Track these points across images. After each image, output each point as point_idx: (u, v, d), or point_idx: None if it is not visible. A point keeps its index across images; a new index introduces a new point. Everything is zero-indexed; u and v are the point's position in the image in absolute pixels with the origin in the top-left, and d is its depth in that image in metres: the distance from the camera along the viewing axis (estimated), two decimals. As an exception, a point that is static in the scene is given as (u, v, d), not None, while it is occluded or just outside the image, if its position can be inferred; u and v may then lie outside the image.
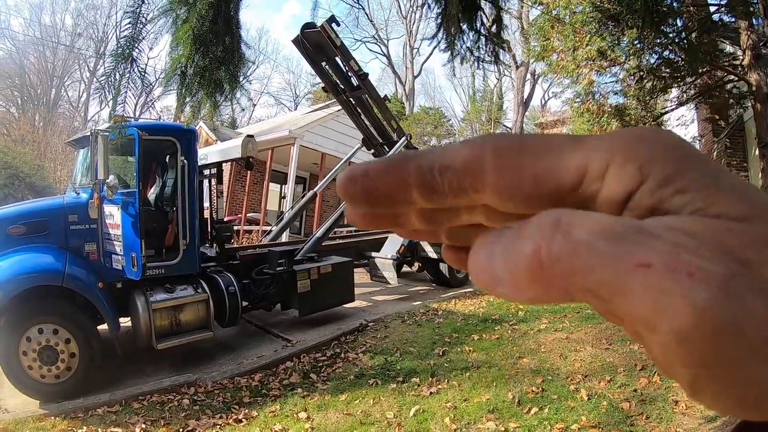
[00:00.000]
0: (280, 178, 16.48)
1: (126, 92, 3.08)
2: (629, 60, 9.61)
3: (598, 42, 9.30)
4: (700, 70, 10.41)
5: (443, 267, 10.27)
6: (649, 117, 11.08)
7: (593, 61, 9.81)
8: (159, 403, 4.82)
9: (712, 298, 0.17)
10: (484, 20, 5.50)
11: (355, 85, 9.07)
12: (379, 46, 51.07)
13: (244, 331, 7.31)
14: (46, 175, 20.77)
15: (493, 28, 5.57)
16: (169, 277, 5.85)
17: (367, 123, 9.99)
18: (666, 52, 9.95)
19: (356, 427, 4.29)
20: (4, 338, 4.76)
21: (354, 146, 11.31)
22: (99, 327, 5.41)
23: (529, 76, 33.05)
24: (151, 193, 6.39)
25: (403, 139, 9.58)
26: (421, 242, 9.97)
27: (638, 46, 9.17)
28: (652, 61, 10.08)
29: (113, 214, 5.51)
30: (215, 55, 4.28)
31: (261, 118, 44.90)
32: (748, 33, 9.25)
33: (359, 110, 9.76)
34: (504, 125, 39.67)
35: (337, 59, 8.74)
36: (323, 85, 9.80)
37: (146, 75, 3.21)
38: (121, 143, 5.70)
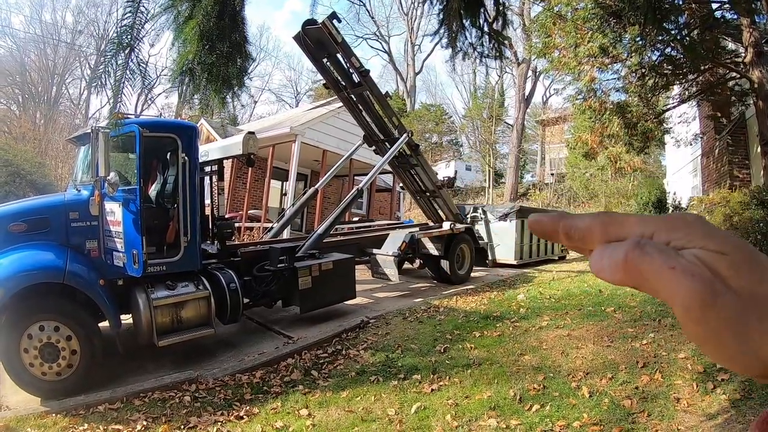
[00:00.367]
0: (282, 175, 16.48)
1: (124, 82, 3.05)
2: (631, 57, 9.59)
3: (599, 39, 9.28)
4: (702, 68, 10.40)
5: (444, 264, 10.29)
6: (650, 114, 11.06)
7: (595, 57, 9.79)
8: (160, 400, 4.82)
9: (702, 288, 0.33)
10: (487, 16, 5.48)
11: (356, 81, 9.06)
12: (381, 43, 51.10)
13: (245, 328, 7.31)
14: (47, 172, 20.77)
15: (496, 25, 5.55)
16: (170, 274, 5.84)
17: (369, 120, 9.98)
18: (668, 49, 9.94)
19: (357, 424, 4.29)
20: (5, 335, 4.75)
21: (355, 143, 11.31)
22: (100, 324, 5.41)
23: (530, 73, 33.01)
24: (152, 190, 6.38)
25: (405, 136, 9.57)
26: (422, 239, 9.98)
27: (640, 42, 9.15)
28: (654, 58, 10.07)
29: (114, 211, 5.51)
30: (222, 51, 4.27)
31: (262, 115, 45.00)
32: (750, 30, 9.23)
33: (360, 107, 9.75)
34: (505, 122, 39.66)
35: (339, 56, 8.73)
36: (324, 82, 9.79)
37: (144, 65, 3.18)
38: (122, 140, 5.70)
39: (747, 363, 0.34)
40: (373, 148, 10.65)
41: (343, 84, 9.29)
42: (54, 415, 4.45)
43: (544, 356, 5.46)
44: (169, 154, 6.27)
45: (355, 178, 15.65)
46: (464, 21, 5.36)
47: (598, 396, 4.30)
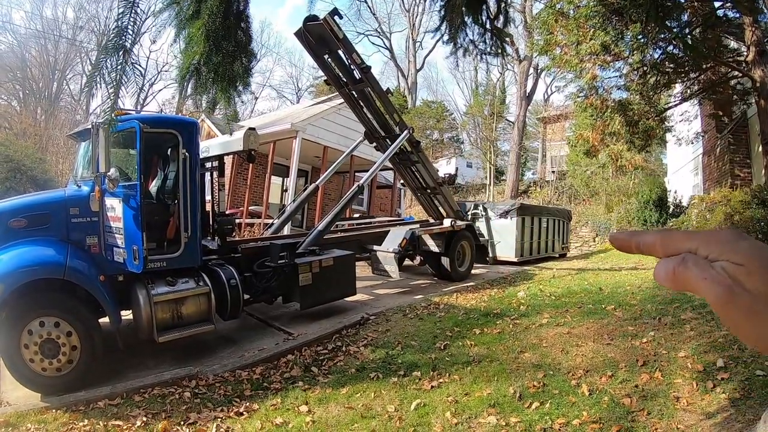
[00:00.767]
0: (282, 171, 16.47)
1: (119, 86, 3.05)
2: (633, 55, 9.57)
3: (601, 36, 9.26)
4: (704, 66, 10.38)
5: (445, 261, 10.29)
6: (652, 112, 11.04)
7: (597, 55, 9.77)
8: (160, 395, 4.82)
9: (724, 291, 0.45)
10: (489, 13, 5.47)
11: (357, 78, 9.05)
12: (382, 40, 51.10)
13: (245, 324, 7.31)
14: (47, 168, 20.77)
15: (498, 22, 5.54)
16: (170, 270, 5.84)
17: (370, 116, 9.97)
18: (670, 47, 9.91)
19: (357, 421, 4.29)
20: (5, 331, 4.75)
21: (356, 139, 11.30)
22: (100, 320, 5.41)
23: (532, 70, 32.95)
24: (153, 186, 6.37)
25: (405, 132, 9.56)
26: (422, 236, 9.97)
27: (642, 40, 9.13)
28: (656, 56, 10.05)
29: (115, 207, 5.50)
30: (228, 50, 4.28)
31: (263, 111, 45.02)
32: (753, 29, 9.22)
33: (361, 103, 9.74)
34: (506, 119, 39.61)
35: (340, 52, 8.72)
36: (326, 78, 9.78)
37: (138, 66, 3.17)
38: (123, 136, 5.69)
39: (765, 344, 0.46)
40: (374, 144, 10.65)
41: (345, 80, 9.28)
42: (54, 410, 4.46)
43: (544, 354, 5.46)
44: (169, 150, 6.27)
45: (356, 174, 15.63)
46: (466, 17, 5.35)
47: (598, 394, 4.30)
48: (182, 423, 4.33)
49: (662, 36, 9.41)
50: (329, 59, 8.96)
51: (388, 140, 10.09)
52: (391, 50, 50.91)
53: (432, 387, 4.85)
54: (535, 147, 41.90)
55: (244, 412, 4.58)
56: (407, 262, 11.27)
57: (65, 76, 38.04)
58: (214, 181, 7.31)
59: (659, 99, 11.68)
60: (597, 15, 9.08)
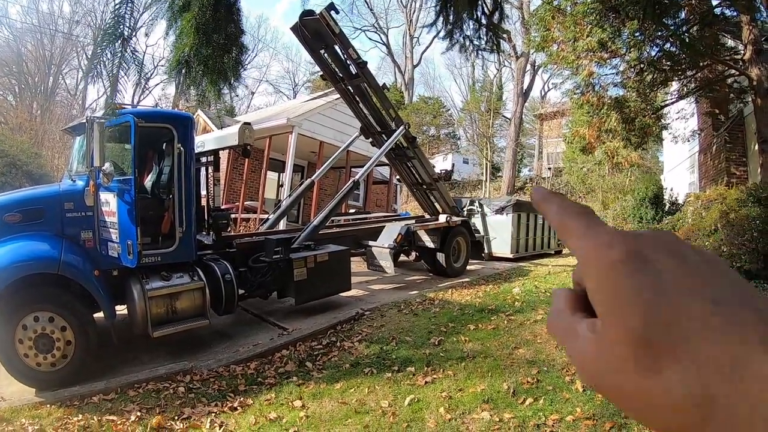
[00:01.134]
0: (278, 166, 16.44)
1: (119, 72, 3.04)
2: (630, 52, 9.57)
3: (598, 33, 9.25)
4: (701, 64, 10.38)
5: (440, 257, 10.30)
6: (648, 110, 11.05)
7: (593, 52, 9.76)
8: (155, 390, 4.82)
9: (576, 358, 0.37)
10: (485, 9, 5.46)
11: (353, 73, 9.04)
12: (379, 35, 50.96)
13: (240, 319, 7.31)
14: (43, 163, 20.65)
15: (494, 18, 5.53)
16: (165, 264, 5.84)
17: (366, 112, 9.96)
18: (667, 45, 9.91)
19: (351, 416, 4.31)
20: (-1, 326, 4.75)
21: (352, 135, 11.28)
22: (95, 315, 5.40)
23: (529, 66, 32.93)
24: (148, 181, 6.36)
25: (402, 128, 9.55)
26: (418, 232, 9.98)
27: (639, 38, 9.13)
28: (653, 53, 10.04)
29: (109, 202, 5.49)
30: (218, 43, 4.26)
31: (259, 106, 44.90)
32: (750, 27, 9.22)
33: (357, 99, 9.73)
34: (503, 116, 39.61)
35: (336, 47, 8.70)
36: (322, 74, 9.75)
37: (138, 54, 3.16)
38: (118, 130, 5.67)
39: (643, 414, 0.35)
40: (370, 140, 10.64)
41: (341, 75, 9.26)
42: (48, 405, 4.45)
43: (539, 350, 5.48)
44: (164, 144, 6.25)
45: (352, 169, 15.63)
46: (461, 13, 5.34)
47: (592, 391, 4.31)
48: (176, 418, 4.33)
49: (659, 33, 9.41)
50: (325, 54, 8.94)
51: (384, 136, 10.08)
52: (388, 46, 50.86)
53: (426, 382, 4.86)
54: (532, 144, 41.92)
55: (238, 407, 4.58)
56: (402, 257, 11.28)
57: (61, 71, 37.84)
58: (209, 175, 7.30)
59: (656, 96, 11.67)
60: (594, 12, 9.06)
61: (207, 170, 7.40)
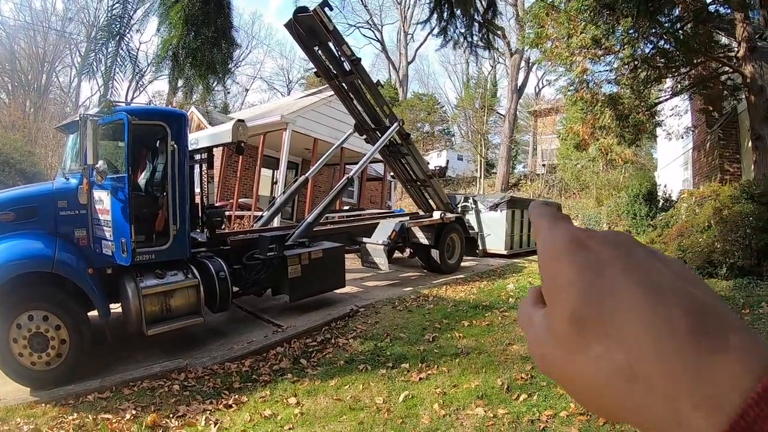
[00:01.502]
0: (272, 164, 16.41)
1: (114, 69, 3.03)
2: (624, 49, 9.60)
3: (592, 30, 9.27)
4: (695, 61, 10.42)
5: (434, 253, 10.32)
6: (642, 107, 11.08)
7: (587, 49, 9.78)
8: (149, 388, 4.82)
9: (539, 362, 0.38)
10: (478, 6, 5.46)
11: (347, 69, 9.02)
12: (373, 32, 51.02)
13: (234, 317, 7.31)
14: (36, 161, 20.59)
15: (488, 15, 5.53)
16: (159, 262, 5.82)
17: (360, 108, 9.95)
18: (661, 42, 9.95)
19: (345, 413, 4.32)
20: (-7, 325, 4.73)
21: (346, 132, 11.27)
22: (89, 313, 5.39)
23: (523, 63, 32.98)
24: (142, 179, 6.34)
25: (396, 124, 9.55)
26: (412, 228, 9.99)
27: (633, 35, 9.16)
28: (647, 50, 10.08)
29: (103, 200, 5.47)
30: (207, 36, 4.24)
31: (253, 104, 44.79)
32: (744, 25, 9.26)
33: (351, 95, 9.72)
34: (497, 112, 39.64)
35: (330, 44, 8.68)
36: (316, 70, 9.73)
37: (134, 52, 3.16)
38: (111, 128, 5.65)
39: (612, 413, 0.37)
40: (364, 136, 10.63)
41: (335, 72, 9.25)
42: (43, 404, 4.45)
43: (532, 346, 5.49)
44: (158, 142, 6.22)
45: (346, 166, 15.61)
46: (455, 9, 5.34)
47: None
48: (171, 416, 4.34)
49: (653, 31, 9.44)
50: (319, 51, 8.93)
51: (378, 132, 10.07)
52: (382, 42, 50.78)
53: (420, 379, 4.88)
54: (526, 140, 42.00)
55: (233, 405, 4.59)
56: (397, 254, 11.29)
57: (54, 68, 37.69)
58: (203, 173, 7.28)
59: (649, 93, 11.70)
60: (588, 9, 9.08)
61: (201, 167, 7.38)
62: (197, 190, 7.24)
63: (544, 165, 34.30)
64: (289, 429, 4.12)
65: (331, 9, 8.26)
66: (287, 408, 4.46)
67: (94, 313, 5.42)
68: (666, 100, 12.45)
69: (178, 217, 5.92)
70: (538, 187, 30.30)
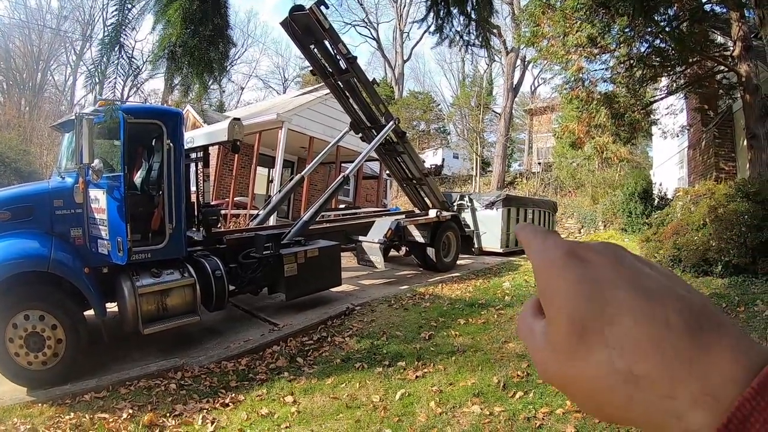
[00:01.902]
0: (268, 162, 16.39)
1: (115, 78, 3.04)
2: (619, 48, 9.62)
3: (588, 29, 9.29)
4: (691, 60, 10.45)
5: (430, 251, 10.32)
6: (638, 105, 11.11)
7: (583, 47, 9.80)
8: (146, 388, 4.82)
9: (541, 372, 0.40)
10: (475, 4, 5.47)
11: (343, 68, 9.01)
12: (369, 30, 50.81)
13: (230, 316, 7.30)
14: (32, 160, 20.55)
15: (484, 13, 5.54)
16: (155, 261, 5.81)
17: (356, 107, 9.95)
18: (657, 41, 9.97)
19: (342, 411, 4.32)
20: (-11, 324, 4.72)
21: (342, 130, 11.27)
22: (85, 312, 5.38)
23: (519, 62, 33.00)
24: (137, 177, 6.32)
25: (391, 123, 9.56)
26: (408, 227, 9.99)
27: (629, 33, 9.18)
28: (643, 49, 10.10)
29: (99, 199, 5.45)
30: (204, 35, 4.24)
31: (249, 102, 44.68)
32: (740, 24, 9.28)
33: (347, 94, 9.71)
34: (493, 111, 39.66)
35: (326, 42, 8.67)
36: (312, 69, 9.72)
37: (134, 59, 3.16)
38: (107, 127, 5.64)
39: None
40: (360, 135, 10.64)
41: (330, 70, 9.24)
42: (40, 404, 4.44)
43: (528, 344, 5.50)
44: (154, 140, 6.21)
45: (342, 165, 15.61)
46: (452, 8, 5.35)
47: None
48: (168, 415, 4.34)
49: (649, 29, 9.47)
50: (315, 49, 8.92)
51: (373, 131, 10.07)
52: (378, 41, 50.70)
53: (416, 377, 4.89)
54: (522, 138, 42.02)
55: (230, 403, 4.59)
56: (393, 252, 11.30)
57: (49, 67, 37.48)
58: (198, 171, 7.27)
59: (645, 92, 11.74)
60: (584, 7, 9.09)
61: (197, 166, 7.37)
62: (193, 188, 7.23)
63: (539, 163, 34.34)
64: (286, 427, 4.13)
65: (327, 7, 8.25)
66: (284, 406, 4.46)
67: (90, 312, 5.41)
68: (661, 98, 12.49)
69: (174, 216, 5.90)
70: (533, 186, 30.32)
